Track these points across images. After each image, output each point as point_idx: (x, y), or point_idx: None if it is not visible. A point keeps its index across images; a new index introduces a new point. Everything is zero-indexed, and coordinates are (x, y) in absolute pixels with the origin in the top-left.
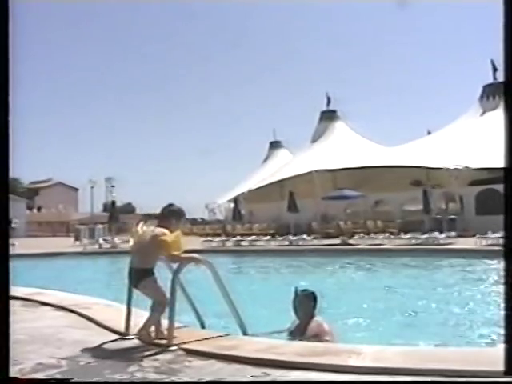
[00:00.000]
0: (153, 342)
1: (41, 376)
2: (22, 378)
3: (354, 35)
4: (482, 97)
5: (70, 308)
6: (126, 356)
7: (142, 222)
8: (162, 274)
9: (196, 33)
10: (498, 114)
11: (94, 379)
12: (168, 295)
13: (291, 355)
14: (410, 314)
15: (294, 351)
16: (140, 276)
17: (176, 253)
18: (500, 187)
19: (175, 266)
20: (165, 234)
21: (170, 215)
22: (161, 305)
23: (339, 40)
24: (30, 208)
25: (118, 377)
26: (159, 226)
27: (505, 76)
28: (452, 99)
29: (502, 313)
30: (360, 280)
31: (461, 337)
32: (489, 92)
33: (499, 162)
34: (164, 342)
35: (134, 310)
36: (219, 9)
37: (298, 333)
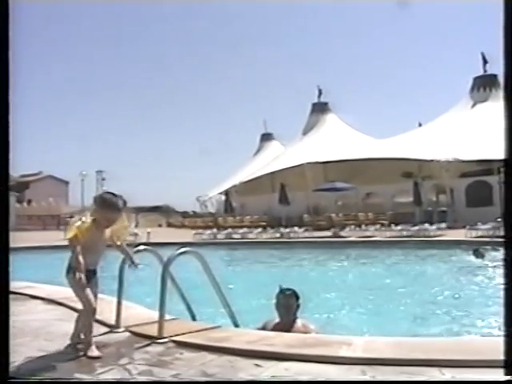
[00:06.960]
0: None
1: (31, 366)
2: (22, 378)
3: (346, 28)
4: (472, 89)
5: (60, 301)
6: (117, 348)
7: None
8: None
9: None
10: (489, 106)
11: (83, 376)
12: (94, 302)
13: (282, 346)
14: (400, 306)
15: (284, 343)
16: (66, 271)
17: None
18: (490, 179)
19: (165, 258)
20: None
21: (95, 204)
22: (84, 311)
23: (330, 32)
24: (19, 201)
25: (109, 369)
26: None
27: (505, 71)
28: (443, 91)
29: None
30: (351, 272)
31: (449, 326)
32: (479, 84)
33: (489, 154)
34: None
35: (124, 302)
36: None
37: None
